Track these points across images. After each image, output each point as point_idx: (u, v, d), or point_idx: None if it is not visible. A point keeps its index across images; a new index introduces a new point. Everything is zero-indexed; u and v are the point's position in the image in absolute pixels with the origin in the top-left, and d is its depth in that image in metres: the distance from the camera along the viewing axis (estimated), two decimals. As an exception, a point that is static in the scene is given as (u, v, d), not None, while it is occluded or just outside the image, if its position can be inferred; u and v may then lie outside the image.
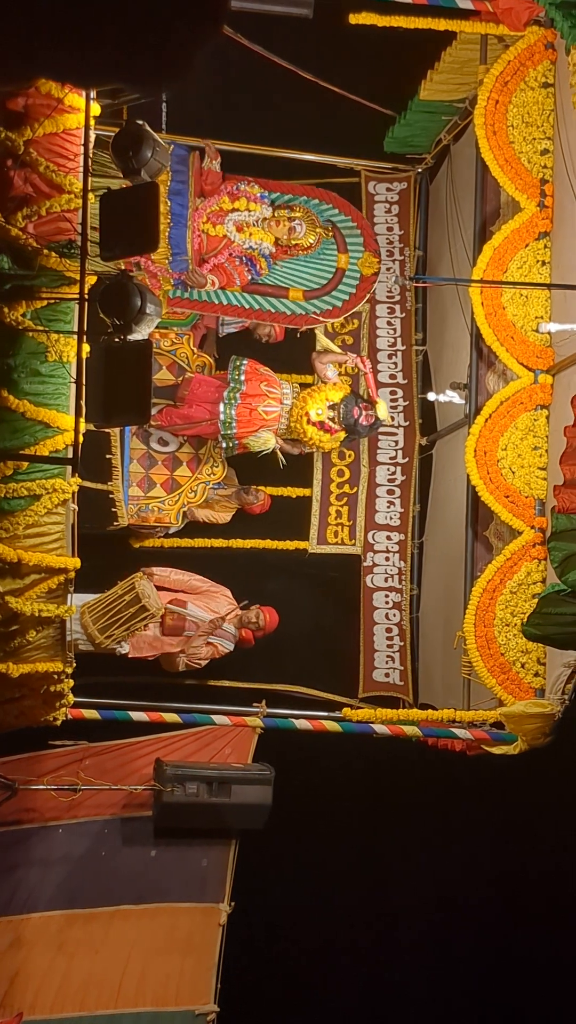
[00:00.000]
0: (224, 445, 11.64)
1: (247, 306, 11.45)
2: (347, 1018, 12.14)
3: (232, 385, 11.52)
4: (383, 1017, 12.16)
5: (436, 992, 12.09)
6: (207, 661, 11.31)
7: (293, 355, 12.27)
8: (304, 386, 11.90)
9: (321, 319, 11.58)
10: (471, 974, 12.09)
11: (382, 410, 11.58)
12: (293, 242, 11.34)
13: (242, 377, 11.55)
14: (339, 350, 12.02)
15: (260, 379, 11.60)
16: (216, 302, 11.31)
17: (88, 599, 10.63)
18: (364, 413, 11.43)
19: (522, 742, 10.37)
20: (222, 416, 11.47)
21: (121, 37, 2.84)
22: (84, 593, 10.13)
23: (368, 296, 11.87)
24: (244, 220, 11.22)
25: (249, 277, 11.35)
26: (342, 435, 11.53)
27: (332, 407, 11.44)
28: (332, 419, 11.42)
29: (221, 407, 11.47)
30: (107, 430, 11.21)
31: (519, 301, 10.79)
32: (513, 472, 10.76)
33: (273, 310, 11.56)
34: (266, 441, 11.52)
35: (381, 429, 12.10)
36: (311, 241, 11.40)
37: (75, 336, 8.42)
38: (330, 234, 11.47)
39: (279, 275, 11.51)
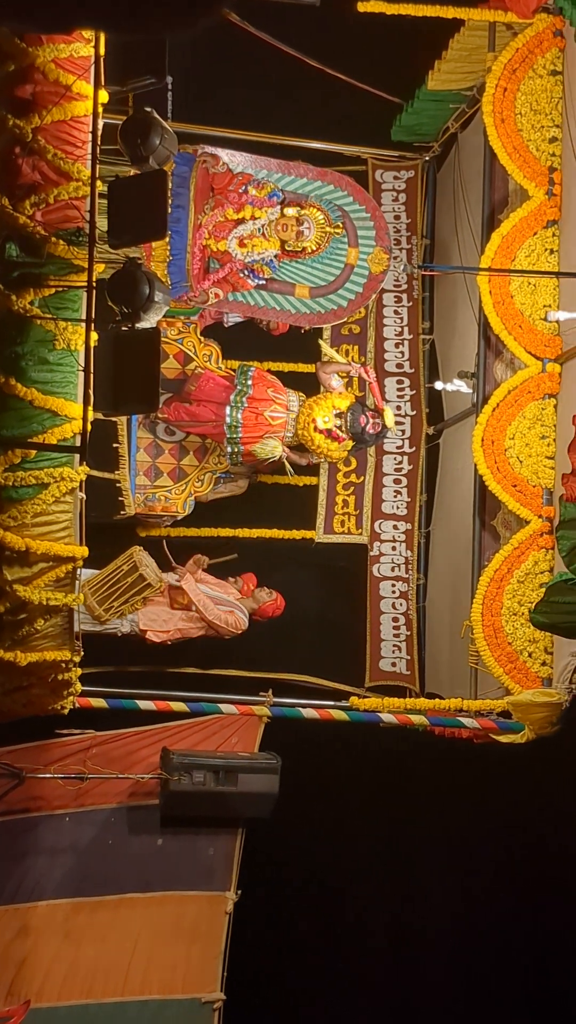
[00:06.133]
0: (229, 450, 11.56)
1: (252, 303, 11.44)
2: (354, 1005, 12.15)
3: (239, 388, 11.49)
4: (391, 1004, 12.18)
5: (446, 978, 12.09)
6: (235, 631, 11.27)
7: (298, 346, 12.26)
8: (307, 376, 11.92)
9: (323, 320, 11.61)
10: (482, 959, 12.09)
11: (389, 418, 11.53)
12: (300, 246, 11.29)
13: (249, 382, 11.52)
14: (343, 359, 11.98)
15: (267, 385, 11.57)
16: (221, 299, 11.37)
17: (88, 574, 10.58)
18: (371, 421, 11.37)
19: (529, 731, 10.37)
20: (228, 420, 11.43)
21: None
22: (87, 569, 10.10)
23: (374, 292, 11.88)
24: (248, 232, 11.20)
25: (253, 284, 11.38)
26: (350, 444, 11.45)
27: (339, 415, 11.38)
28: (339, 427, 11.37)
29: (228, 410, 11.43)
30: (114, 419, 11.19)
31: (527, 290, 10.77)
32: (521, 461, 10.75)
33: (278, 307, 11.51)
34: (272, 449, 11.44)
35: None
36: (319, 243, 11.35)
37: (83, 324, 8.40)
38: (340, 230, 11.39)
39: (285, 271, 11.50)
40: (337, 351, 12.18)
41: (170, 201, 10.84)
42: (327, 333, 12.59)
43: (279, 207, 11.35)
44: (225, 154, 11.22)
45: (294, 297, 11.45)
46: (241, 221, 11.20)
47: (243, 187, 11.24)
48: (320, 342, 12.15)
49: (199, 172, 11.13)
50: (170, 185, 10.87)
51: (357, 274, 11.44)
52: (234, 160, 11.24)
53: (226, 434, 11.48)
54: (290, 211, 11.35)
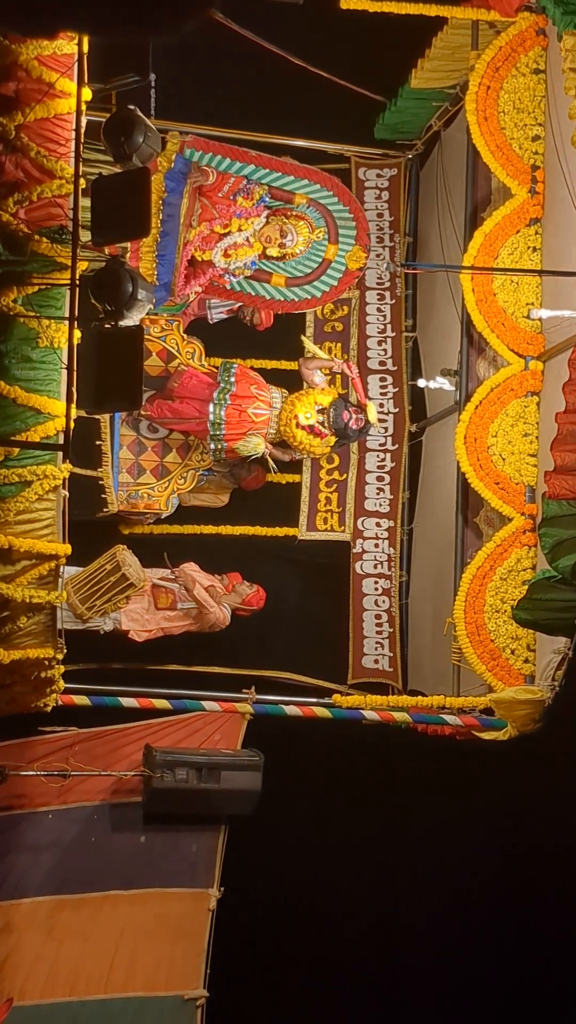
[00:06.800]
0: (212, 447, 11.59)
1: (228, 288, 11.56)
2: (338, 1002, 12.17)
3: (222, 386, 11.51)
4: (375, 1001, 12.20)
5: (432, 974, 12.12)
6: (221, 626, 11.35)
7: (281, 343, 12.29)
8: (290, 373, 11.94)
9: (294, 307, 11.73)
10: (469, 955, 12.12)
11: (372, 413, 11.58)
12: (282, 253, 11.46)
13: (232, 379, 11.55)
14: (326, 355, 12.04)
15: (250, 382, 11.60)
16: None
17: (71, 572, 10.60)
18: (354, 417, 11.43)
19: (512, 728, 10.40)
20: (212, 417, 11.46)
21: None
22: (70, 567, 10.10)
23: (350, 288, 11.98)
24: (233, 242, 11.31)
25: (228, 284, 11.51)
26: (332, 440, 11.51)
27: (321, 411, 11.43)
28: (321, 423, 11.41)
29: (211, 407, 11.46)
30: (96, 416, 11.18)
31: (510, 287, 10.80)
32: (503, 459, 10.78)
33: (254, 293, 11.73)
34: (255, 446, 11.50)
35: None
36: (300, 249, 11.49)
37: (66, 322, 8.40)
38: (322, 233, 11.53)
39: (264, 263, 11.60)
40: (320, 348, 12.20)
41: (160, 228, 10.91)
42: (310, 330, 12.61)
43: (265, 215, 11.43)
44: (212, 149, 11.22)
45: (270, 285, 11.63)
46: (228, 234, 11.30)
47: (232, 195, 11.26)
48: (303, 338, 12.20)
49: (189, 195, 11.15)
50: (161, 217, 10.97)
51: (334, 268, 11.63)
52: (219, 155, 11.25)
53: (209, 431, 11.50)
54: (274, 221, 11.44)
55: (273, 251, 11.51)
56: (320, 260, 11.62)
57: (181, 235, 11.15)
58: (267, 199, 11.47)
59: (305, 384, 11.72)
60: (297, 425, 11.41)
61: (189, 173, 11.13)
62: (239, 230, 11.33)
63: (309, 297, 11.79)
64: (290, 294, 11.69)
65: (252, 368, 12.01)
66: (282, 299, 11.70)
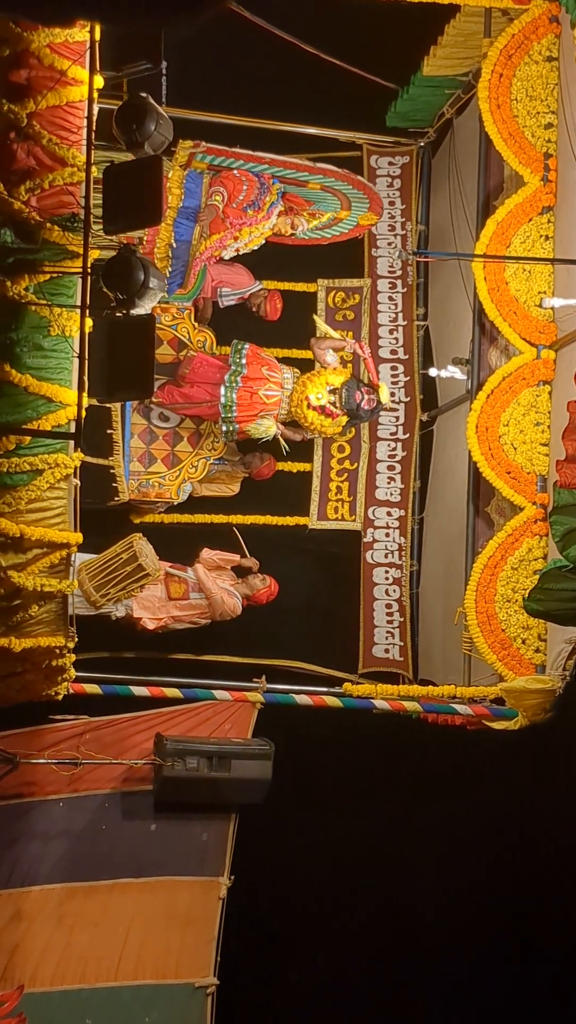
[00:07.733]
0: (224, 429, 11.60)
1: None
2: (346, 991, 12.19)
3: (233, 368, 11.50)
4: (383, 989, 12.21)
5: (439, 962, 12.13)
6: (231, 614, 11.39)
7: (291, 332, 12.28)
8: (300, 361, 11.94)
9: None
10: (476, 942, 12.13)
11: (384, 394, 11.57)
12: (291, 234, 11.60)
13: (243, 360, 11.53)
14: (337, 335, 12.03)
15: (261, 363, 11.58)
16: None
17: (85, 558, 10.61)
18: (366, 397, 11.42)
19: (522, 718, 10.40)
20: (223, 399, 11.45)
21: None
22: (82, 553, 10.11)
23: (357, 234, 12.19)
24: (243, 244, 11.41)
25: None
26: (343, 420, 11.51)
27: (333, 391, 11.41)
28: (333, 403, 11.40)
29: (222, 390, 11.45)
30: (108, 405, 11.19)
31: (522, 276, 10.76)
32: (515, 448, 10.76)
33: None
34: (267, 428, 11.51)
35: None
36: (313, 225, 11.64)
37: (78, 310, 8.39)
38: (332, 214, 11.64)
39: None
40: (331, 332, 12.22)
41: (170, 268, 11.00)
42: (323, 314, 12.60)
43: (276, 215, 11.48)
44: (224, 155, 11.27)
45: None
46: (237, 239, 11.38)
47: (244, 208, 11.28)
48: (315, 317, 12.22)
49: (199, 230, 11.23)
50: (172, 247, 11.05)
51: (345, 224, 11.76)
52: (232, 159, 11.29)
53: (221, 414, 11.50)
54: (285, 217, 11.50)
55: (284, 235, 11.67)
56: (331, 219, 11.81)
57: (191, 258, 11.24)
58: (280, 202, 11.51)
59: (317, 364, 11.71)
60: (308, 406, 11.40)
61: (199, 213, 11.20)
62: (249, 235, 11.42)
63: (317, 238, 11.93)
64: (300, 235, 11.83)
65: (262, 354, 12.03)
66: (292, 236, 11.88)
